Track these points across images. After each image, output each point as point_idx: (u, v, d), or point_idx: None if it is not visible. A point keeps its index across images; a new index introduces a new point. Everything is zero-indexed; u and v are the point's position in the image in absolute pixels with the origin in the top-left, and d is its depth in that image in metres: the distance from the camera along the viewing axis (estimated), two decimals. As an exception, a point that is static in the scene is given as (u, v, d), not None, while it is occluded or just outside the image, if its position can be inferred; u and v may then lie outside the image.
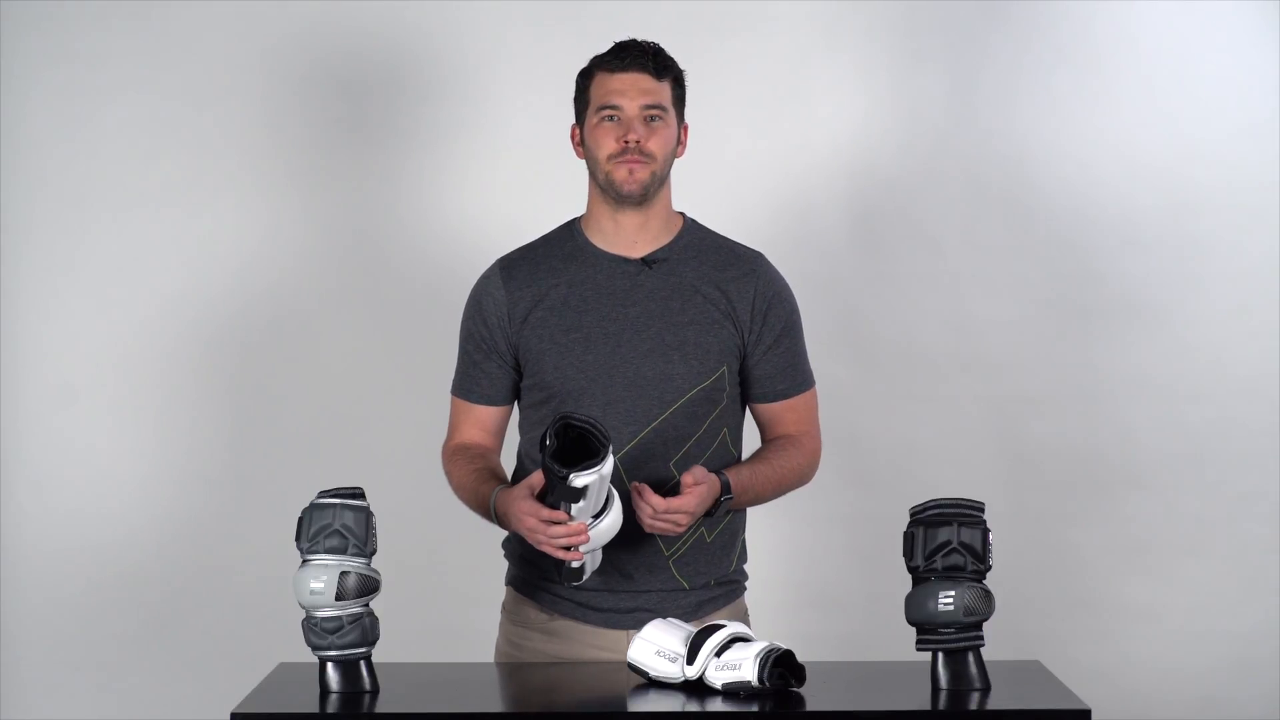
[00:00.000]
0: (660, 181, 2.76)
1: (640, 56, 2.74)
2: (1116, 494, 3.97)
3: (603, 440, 2.48)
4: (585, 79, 2.78)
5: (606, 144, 2.73)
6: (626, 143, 2.71)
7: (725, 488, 2.69)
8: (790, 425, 2.82)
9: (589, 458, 2.48)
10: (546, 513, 2.54)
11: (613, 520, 2.56)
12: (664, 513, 2.60)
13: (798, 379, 2.82)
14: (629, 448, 2.71)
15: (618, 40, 2.77)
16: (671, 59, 2.78)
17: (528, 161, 3.89)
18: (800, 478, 2.82)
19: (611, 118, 2.73)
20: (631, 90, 2.73)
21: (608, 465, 2.48)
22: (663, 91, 2.75)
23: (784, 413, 2.82)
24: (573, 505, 2.50)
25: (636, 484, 2.63)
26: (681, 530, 2.63)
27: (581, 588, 2.72)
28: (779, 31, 3.95)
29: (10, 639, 3.93)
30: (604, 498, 2.53)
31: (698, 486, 2.63)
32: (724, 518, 2.77)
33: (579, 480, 2.46)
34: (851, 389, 3.92)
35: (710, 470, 2.69)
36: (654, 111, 2.73)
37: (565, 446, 2.49)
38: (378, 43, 3.94)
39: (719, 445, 2.77)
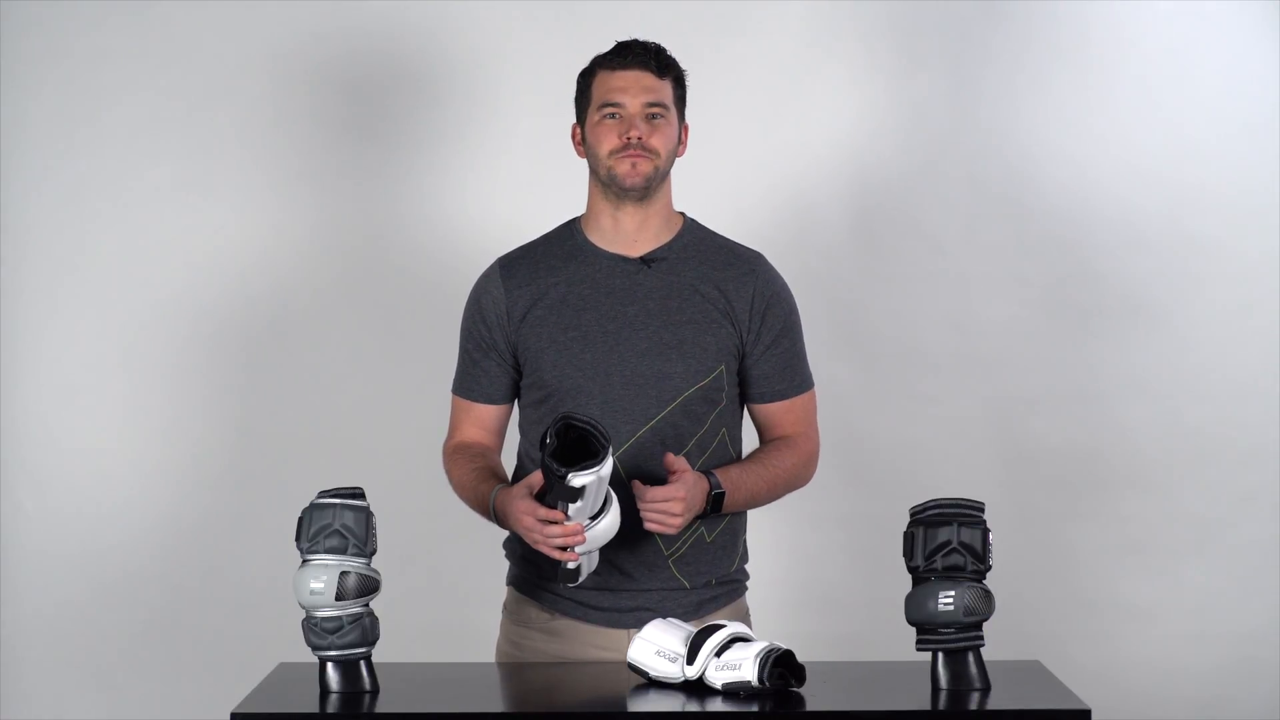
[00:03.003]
0: (661, 178, 2.76)
1: (642, 55, 2.74)
2: (1116, 494, 3.97)
3: (603, 441, 2.47)
4: (587, 78, 2.78)
5: (608, 140, 2.73)
6: (628, 139, 2.71)
7: (715, 484, 2.67)
8: (788, 426, 2.81)
9: (589, 458, 2.48)
10: (544, 512, 2.53)
11: (610, 522, 2.56)
12: (651, 503, 2.58)
13: (796, 380, 2.81)
14: (627, 446, 2.70)
15: (619, 40, 2.78)
16: (673, 59, 2.78)
17: (529, 162, 3.89)
18: (795, 479, 2.81)
19: (613, 115, 2.73)
20: (634, 88, 2.73)
21: (606, 467, 2.47)
22: (664, 90, 2.75)
23: (782, 414, 2.81)
24: (570, 505, 2.49)
25: (634, 481, 2.62)
26: (677, 527, 2.61)
27: (582, 587, 2.71)
28: (779, 32, 3.95)
29: (10, 639, 3.92)
30: (602, 499, 2.53)
31: (684, 473, 2.61)
32: (723, 518, 2.76)
33: (577, 480, 2.46)
34: (851, 389, 3.92)
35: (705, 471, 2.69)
36: (656, 109, 2.73)
37: (566, 446, 2.49)
38: (379, 43, 3.94)
39: (718, 445, 2.76)
